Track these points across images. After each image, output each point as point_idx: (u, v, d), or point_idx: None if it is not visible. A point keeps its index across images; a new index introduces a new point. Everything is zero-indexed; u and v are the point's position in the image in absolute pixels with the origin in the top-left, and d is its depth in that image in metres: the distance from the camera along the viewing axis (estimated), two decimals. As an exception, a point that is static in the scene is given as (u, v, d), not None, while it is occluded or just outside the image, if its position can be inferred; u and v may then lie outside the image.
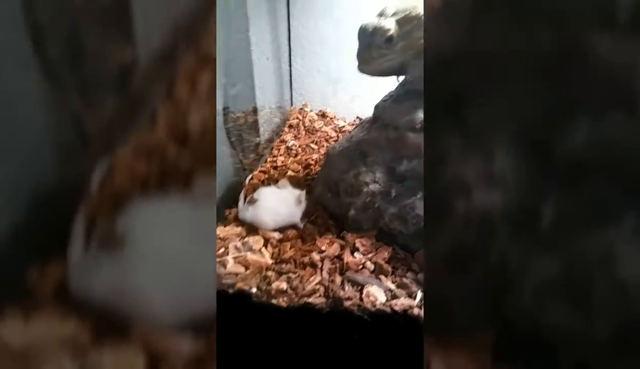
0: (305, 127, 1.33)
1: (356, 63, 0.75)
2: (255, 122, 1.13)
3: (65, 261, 0.53)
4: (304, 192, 0.84)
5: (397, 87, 0.87)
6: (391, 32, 0.62)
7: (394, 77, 0.85)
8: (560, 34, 0.35)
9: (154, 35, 0.55)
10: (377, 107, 0.87)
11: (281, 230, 0.79)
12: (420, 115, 0.75)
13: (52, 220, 0.55)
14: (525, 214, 0.38)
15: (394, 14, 0.61)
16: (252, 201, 0.79)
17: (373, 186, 0.79)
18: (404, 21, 0.60)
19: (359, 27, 0.68)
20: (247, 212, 0.79)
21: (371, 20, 0.64)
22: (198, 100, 0.52)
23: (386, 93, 0.90)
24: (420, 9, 0.59)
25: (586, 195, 0.35)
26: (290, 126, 1.34)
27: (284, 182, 0.93)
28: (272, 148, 1.19)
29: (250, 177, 1.00)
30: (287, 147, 1.20)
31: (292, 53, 1.31)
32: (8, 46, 0.54)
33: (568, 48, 0.34)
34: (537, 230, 0.38)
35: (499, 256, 0.40)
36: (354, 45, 0.72)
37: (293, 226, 0.80)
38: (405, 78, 0.84)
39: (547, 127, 0.36)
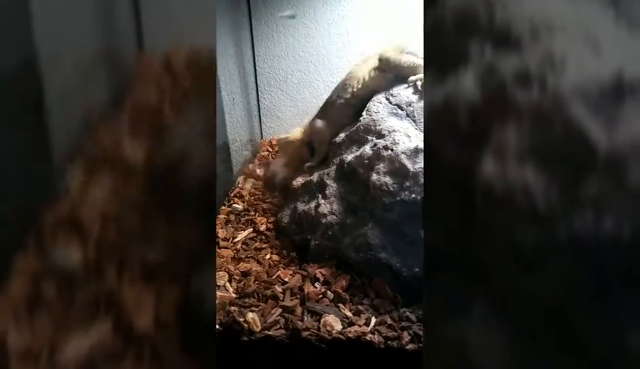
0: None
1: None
2: (228, 155, 1.18)
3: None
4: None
5: (352, 124, 0.94)
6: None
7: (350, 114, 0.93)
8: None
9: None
10: (332, 143, 0.93)
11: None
12: (368, 152, 0.81)
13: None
14: None
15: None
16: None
17: (331, 218, 0.84)
18: None
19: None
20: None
21: None
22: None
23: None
24: None
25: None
26: (262, 157, 1.39)
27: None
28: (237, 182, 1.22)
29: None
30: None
31: (259, 90, 1.37)
32: None
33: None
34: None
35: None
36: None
37: None
38: (359, 118, 0.90)
39: None
